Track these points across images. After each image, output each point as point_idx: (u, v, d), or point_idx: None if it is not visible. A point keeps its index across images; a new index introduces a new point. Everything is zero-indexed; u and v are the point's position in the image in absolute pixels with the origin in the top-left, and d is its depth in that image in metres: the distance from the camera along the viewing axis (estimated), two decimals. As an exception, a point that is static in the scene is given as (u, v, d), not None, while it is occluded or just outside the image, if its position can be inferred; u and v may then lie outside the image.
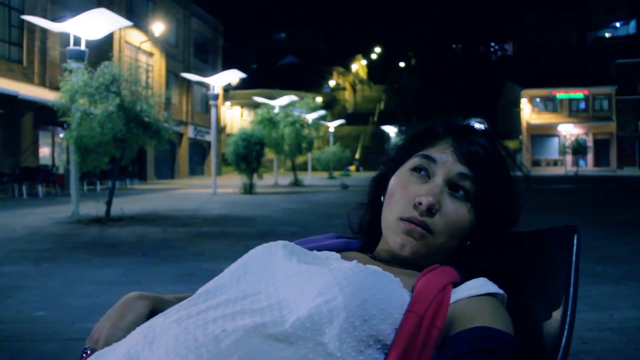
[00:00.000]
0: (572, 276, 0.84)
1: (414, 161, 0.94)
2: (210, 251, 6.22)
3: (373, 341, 0.71)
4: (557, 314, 0.82)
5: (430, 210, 0.87)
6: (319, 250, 1.00)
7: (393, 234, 0.90)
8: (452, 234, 0.89)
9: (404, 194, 0.91)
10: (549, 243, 0.91)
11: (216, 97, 17.49)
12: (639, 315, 3.77)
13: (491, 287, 0.82)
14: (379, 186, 1.03)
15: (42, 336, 3.15)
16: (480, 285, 0.82)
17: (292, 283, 0.78)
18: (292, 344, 0.68)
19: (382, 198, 0.99)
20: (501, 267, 0.93)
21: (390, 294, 0.75)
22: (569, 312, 0.81)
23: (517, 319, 0.82)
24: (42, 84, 20.44)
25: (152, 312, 0.93)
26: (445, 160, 0.91)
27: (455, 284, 0.84)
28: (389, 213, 0.92)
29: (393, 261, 0.93)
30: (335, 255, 0.94)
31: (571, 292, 0.82)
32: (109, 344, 0.86)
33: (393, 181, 0.95)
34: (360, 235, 1.08)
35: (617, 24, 58.24)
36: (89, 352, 0.91)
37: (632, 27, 57.16)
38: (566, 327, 0.80)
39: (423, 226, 0.87)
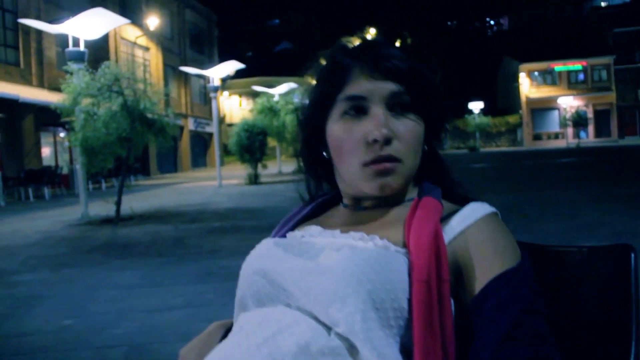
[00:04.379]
0: (633, 300, 0.80)
1: (340, 106, 0.89)
2: (226, 247, 6.27)
3: (394, 322, 0.73)
4: (618, 338, 0.80)
5: (389, 141, 0.85)
6: (300, 222, 1.01)
7: (365, 182, 0.87)
8: (414, 150, 0.88)
9: (352, 140, 0.87)
10: (600, 262, 0.86)
11: (216, 89, 17.48)
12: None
13: (478, 211, 0.83)
14: (313, 147, 0.97)
15: (74, 345, 3.22)
16: (467, 216, 0.82)
17: (306, 291, 0.77)
18: (338, 355, 0.72)
19: (324, 154, 0.95)
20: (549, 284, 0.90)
21: (388, 270, 0.75)
22: (633, 341, 0.79)
23: (568, 340, 0.82)
24: (41, 85, 20.41)
25: None
26: (371, 88, 0.86)
27: (443, 215, 0.84)
28: (348, 165, 0.88)
29: (370, 206, 0.92)
30: (318, 238, 0.90)
31: (633, 315, 0.79)
32: None
33: (332, 134, 0.90)
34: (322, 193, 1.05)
35: (613, -8, 57.69)
36: None
37: (628, -6, 56.60)
38: (632, 351, 0.78)
39: (390, 159, 0.85)
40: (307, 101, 0.98)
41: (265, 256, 0.87)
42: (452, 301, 0.77)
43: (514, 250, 0.80)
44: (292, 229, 1.01)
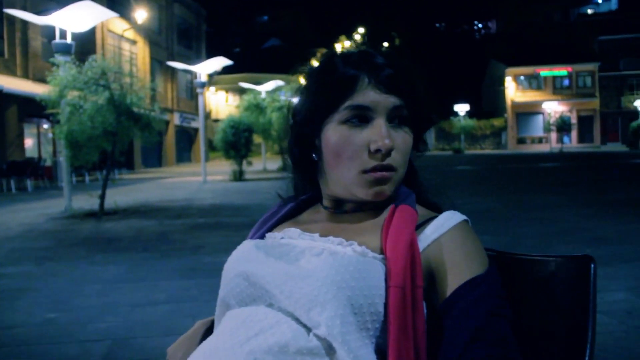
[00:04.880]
0: (591, 308, 0.86)
1: (343, 114, 0.91)
2: (210, 244, 6.31)
3: (370, 325, 0.78)
4: (575, 344, 0.85)
5: (389, 152, 0.90)
6: (278, 222, 1.04)
7: (361, 188, 0.91)
8: (406, 160, 0.94)
9: (352, 148, 0.90)
10: (563, 271, 0.92)
11: (203, 85, 17.45)
12: (628, 297, 3.93)
13: (450, 220, 0.88)
14: (304, 148, 0.99)
15: (58, 339, 3.25)
16: (441, 225, 0.88)
17: (288, 294, 0.81)
18: (316, 355, 0.77)
19: (313, 156, 0.98)
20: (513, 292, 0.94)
21: (366, 276, 0.79)
22: (588, 345, 0.84)
23: (530, 344, 0.87)
24: (25, 75, 20.21)
25: None
26: (376, 100, 0.90)
27: (418, 223, 0.89)
28: (346, 170, 0.91)
29: (350, 210, 0.97)
30: (297, 240, 0.94)
31: (590, 322, 0.85)
32: None
33: (331, 139, 0.92)
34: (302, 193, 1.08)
35: (599, 0, 58.42)
36: None
37: (613, 3, 57.37)
38: (586, 356, 0.83)
39: (389, 168, 0.90)
40: (299, 102, 1.00)
41: (247, 259, 0.91)
42: (424, 304, 0.82)
43: (483, 257, 0.86)
44: (271, 229, 1.04)
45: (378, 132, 0.89)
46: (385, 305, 0.79)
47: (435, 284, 0.85)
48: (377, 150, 0.89)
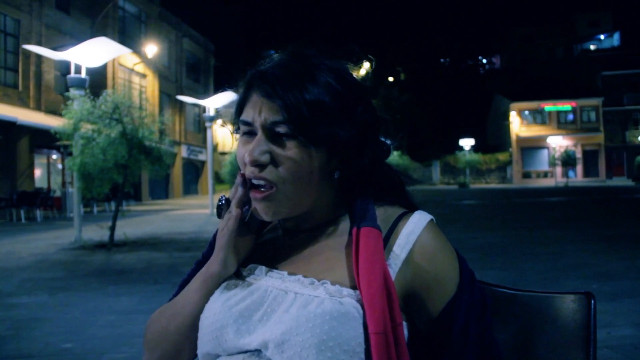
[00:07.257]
0: (591, 343, 0.88)
1: (241, 128, 0.91)
2: (219, 276, 6.37)
3: None
4: None
5: (260, 166, 0.86)
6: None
7: (254, 206, 0.90)
8: (296, 176, 0.86)
9: (240, 161, 0.90)
10: (564, 308, 0.93)
11: (212, 119, 17.74)
12: (635, 332, 3.97)
13: (414, 233, 0.87)
14: None
15: (76, 368, 3.33)
16: (405, 244, 0.86)
17: (270, 353, 0.82)
18: None
19: None
20: (509, 328, 0.98)
21: (342, 332, 0.79)
22: None
23: None
24: (38, 108, 20.58)
25: None
26: (255, 115, 0.87)
27: (384, 235, 0.87)
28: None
29: (306, 229, 0.95)
30: (266, 280, 0.90)
31: (591, 356, 0.87)
32: None
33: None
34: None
35: (602, 37, 59.20)
36: None
37: (616, 39, 58.10)
38: None
39: (261, 185, 0.87)
40: None
41: (222, 321, 0.88)
42: (405, 326, 0.84)
43: (453, 267, 0.87)
44: None
45: (250, 146, 0.87)
46: (367, 350, 0.79)
47: (415, 305, 0.86)
48: (246, 164, 0.88)
